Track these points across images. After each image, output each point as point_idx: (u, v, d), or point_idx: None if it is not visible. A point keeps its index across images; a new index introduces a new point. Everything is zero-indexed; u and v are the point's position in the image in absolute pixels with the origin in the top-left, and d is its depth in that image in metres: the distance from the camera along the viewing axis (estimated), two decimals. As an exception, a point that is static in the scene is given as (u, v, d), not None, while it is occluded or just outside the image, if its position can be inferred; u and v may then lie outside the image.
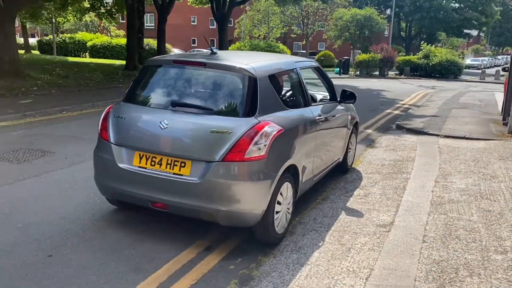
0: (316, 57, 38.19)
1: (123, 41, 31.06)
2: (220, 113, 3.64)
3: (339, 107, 5.49)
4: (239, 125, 3.53)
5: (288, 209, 4.02)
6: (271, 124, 3.64)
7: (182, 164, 3.58)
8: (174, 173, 3.59)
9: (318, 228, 4.23)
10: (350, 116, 5.81)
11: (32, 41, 40.67)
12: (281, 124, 3.77)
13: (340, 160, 5.80)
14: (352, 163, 6.43)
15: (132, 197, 3.83)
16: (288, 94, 4.67)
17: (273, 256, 3.70)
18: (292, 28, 47.99)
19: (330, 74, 31.15)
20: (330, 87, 5.46)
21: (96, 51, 32.94)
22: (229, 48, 38.86)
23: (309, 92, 5.82)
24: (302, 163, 4.21)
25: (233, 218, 3.54)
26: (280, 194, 3.81)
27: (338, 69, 30.83)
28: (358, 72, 30.53)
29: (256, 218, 3.59)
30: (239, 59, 4.04)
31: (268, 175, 3.55)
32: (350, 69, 31.69)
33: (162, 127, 3.65)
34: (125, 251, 3.68)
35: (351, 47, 47.70)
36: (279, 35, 48.70)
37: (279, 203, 3.80)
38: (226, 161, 3.44)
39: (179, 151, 3.62)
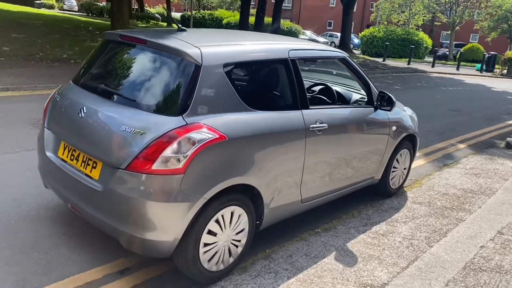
0: (462, 49, 33.80)
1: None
2: (142, 106, 2.83)
3: (376, 113, 4.22)
4: (155, 125, 2.70)
5: (235, 240, 3.08)
6: (204, 128, 2.72)
7: (94, 165, 2.89)
8: (85, 174, 2.93)
9: (281, 271, 3.21)
10: (395, 127, 4.46)
11: (177, 15, 43.55)
12: (228, 130, 2.83)
13: (377, 179, 4.53)
14: (401, 185, 5.05)
15: (56, 192, 3.29)
16: (263, 91, 3.61)
17: (192, 299, 2.84)
18: (437, 15, 43.15)
19: (468, 71, 27.28)
20: (366, 86, 4.21)
21: (231, 28, 33.81)
22: (360, 33, 36.71)
23: (339, 90, 4.66)
24: (274, 184, 3.20)
25: (136, 244, 2.76)
26: (217, 222, 2.89)
27: (480, 65, 26.77)
28: (505, 71, 26.09)
29: (167, 248, 2.75)
30: (196, 39, 3.14)
31: (186, 196, 2.67)
32: (496, 67, 27.28)
33: (80, 116, 3.00)
34: (35, 253, 3.17)
35: (509, 41, 41.31)
36: (422, 23, 44.28)
37: (212, 233, 2.89)
38: (130, 170, 2.66)
39: (90, 148, 2.94)
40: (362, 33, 34.93)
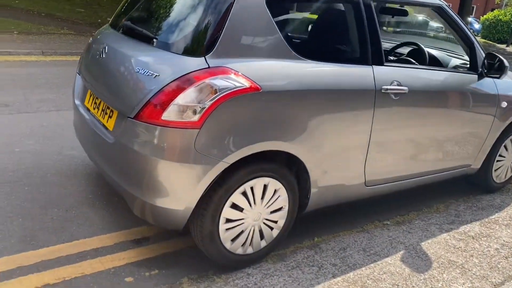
0: None
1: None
2: (163, 44, 2.32)
3: (480, 82, 3.27)
4: (171, 66, 2.18)
5: (270, 221, 2.48)
6: (231, 74, 2.14)
7: (111, 114, 2.47)
8: (103, 124, 2.53)
9: (327, 266, 2.55)
10: (506, 103, 3.45)
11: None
12: (264, 80, 2.21)
13: (474, 168, 3.58)
14: (509, 180, 3.99)
15: (82, 146, 2.96)
16: (319, 35, 2.85)
17: (210, 281, 2.32)
18: None
19: None
20: (468, 45, 3.26)
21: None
22: (482, 17, 33.02)
23: (434, 53, 3.75)
24: (326, 157, 2.53)
25: (147, 211, 2.29)
26: (244, 194, 2.32)
27: None
28: None
29: (179, 219, 2.25)
30: None
31: (201, 157, 2.12)
32: None
33: (100, 57, 2.60)
34: (55, 209, 2.89)
35: None
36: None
37: (236, 207, 2.32)
38: (138, 120, 2.18)
39: (108, 93, 2.52)
40: (484, 16, 31.27)
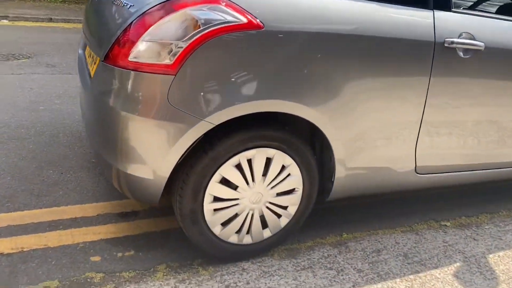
0: None
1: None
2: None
3: None
4: None
5: (276, 206, 1.93)
6: (221, 5, 1.60)
7: (95, 60, 2.05)
8: (89, 73, 2.13)
9: (349, 270, 1.95)
10: None
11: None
12: (268, 14, 1.64)
13: None
14: None
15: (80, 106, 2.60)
16: None
17: (190, 275, 1.84)
18: None
19: None
20: None
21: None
22: None
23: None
24: (358, 130, 1.91)
25: (122, 182, 1.83)
26: (238, 168, 1.79)
27: None
28: None
29: (152, 191, 1.77)
30: None
31: (176, 113, 1.62)
32: None
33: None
34: (50, 171, 2.58)
35: None
36: None
37: (228, 184, 1.80)
38: (106, 63, 1.73)
39: (90, 37, 2.12)
40: None
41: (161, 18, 1.57)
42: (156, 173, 1.70)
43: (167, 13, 1.57)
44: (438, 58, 1.94)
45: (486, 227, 2.48)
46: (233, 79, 1.64)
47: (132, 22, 1.63)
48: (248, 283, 1.83)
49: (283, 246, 2.10)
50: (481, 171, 2.37)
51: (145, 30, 1.58)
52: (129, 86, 1.64)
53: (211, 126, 1.65)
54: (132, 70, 1.61)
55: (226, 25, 1.58)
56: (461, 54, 1.99)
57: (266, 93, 1.69)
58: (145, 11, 1.62)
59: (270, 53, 1.67)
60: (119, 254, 1.96)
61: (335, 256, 2.06)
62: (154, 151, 1.67)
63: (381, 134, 1.98)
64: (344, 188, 2.05)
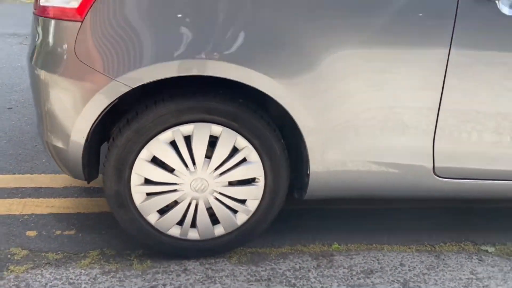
0: None
1: None
2: None
3: None
4: None
5: (229, 198, 1.54)
6: None
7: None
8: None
9: (301, 283, 1.50)
10: None
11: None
12: None
13: None
14: None
15: None
16: None
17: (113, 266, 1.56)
18: None
19: None
20: None
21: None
22: None
23: None
24: (344, 114, 1.45)
25: (52, 154, 1.59)
26: (173, 145, 1.45)
27: None
28: None
29: (69, 163, 1.51)
30: None
31: (85, 70, 1.32)
32: None
33: None
34: (27, 141, 2.46)
35: None
36: None
37: (162, 165, 1.47)
38: (34, 13, 1.49)
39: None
40: None
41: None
42: (70, 142, 1.43)
43: None
44: (462, 11, 1.37)
45: (549, 261, 1.80)
46: (154, 29, 1.29)
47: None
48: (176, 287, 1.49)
49: (250, 249, 1.71)
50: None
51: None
52: (40, 37, 1.39)
53: (127, 89, 1.33)
54: (41, 16, 1.36)
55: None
56: (503, 9, 1.39)
57: (201, 50, 1.31)
58: None
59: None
60: (58, 232, 1.75)
61: (308, 271, 1.62)
62: (64, 114, 1.41)
63: (379, 117, 1.48)
64: (326, 185, 1.59)
